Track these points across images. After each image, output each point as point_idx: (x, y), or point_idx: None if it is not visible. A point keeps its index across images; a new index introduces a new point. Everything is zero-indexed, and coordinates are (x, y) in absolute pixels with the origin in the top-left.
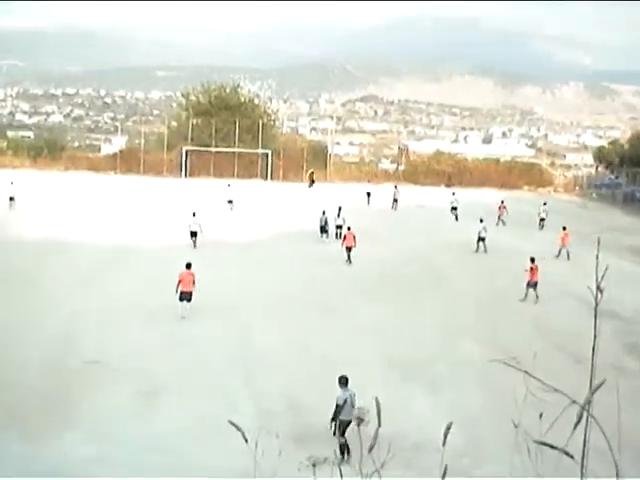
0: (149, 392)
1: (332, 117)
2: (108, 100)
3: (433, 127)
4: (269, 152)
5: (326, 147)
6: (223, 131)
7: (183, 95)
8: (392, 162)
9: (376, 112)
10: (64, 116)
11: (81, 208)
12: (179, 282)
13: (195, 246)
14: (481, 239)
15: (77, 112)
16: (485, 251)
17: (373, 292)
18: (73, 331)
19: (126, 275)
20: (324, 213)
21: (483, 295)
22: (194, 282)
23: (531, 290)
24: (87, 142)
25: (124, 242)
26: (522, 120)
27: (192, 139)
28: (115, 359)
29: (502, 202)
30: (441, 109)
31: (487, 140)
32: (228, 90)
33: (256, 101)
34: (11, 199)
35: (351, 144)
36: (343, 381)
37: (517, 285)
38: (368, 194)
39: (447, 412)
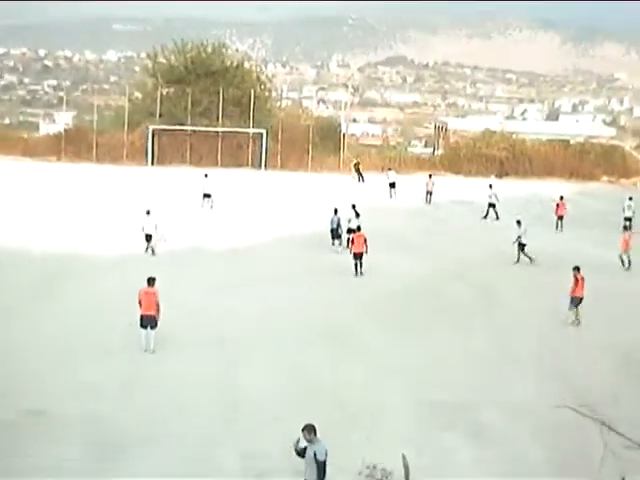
0: (105, 451)
1: (347, 85)
2: (49, 62)
3: (481, 99)
4: (263, 132)
5: (339, 125)
6: (202, 104)
7: (149, 56)
8: (426, 145)
9: (405, 79)
10: None
11: (14, 206)
12: (139, 303)
13: (153, 253)
14: (521, 246)
15: (7, 78)
16: (530, 261)
17: (397, 317)
18: (7, 372)
19: (75, 294)
20: (336, 212)
21: (539, 320)
22: (158, 303)
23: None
24: (21, 118)
25: (71, 251)
26: (599, 89)
27: (161, 115)
28: (60, 409)
29: (561, 199)
30: (491, 75)
31: (552, 116)
32: (209, 50)
33: (247, 65)
34: None
35: (372, 121)
36: (312, 431)
37: (585, 309)
38: (391, 185)
39: (500, 474)
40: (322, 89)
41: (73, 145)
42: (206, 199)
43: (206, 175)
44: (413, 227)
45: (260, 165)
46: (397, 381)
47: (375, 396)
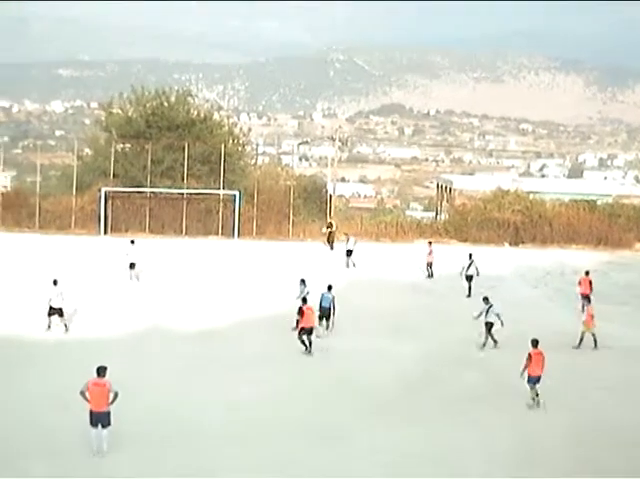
0: None
1: (333, 139)
2: None
3: (491, 153)
4: (236, 194)
5: (324, 185)
6: (165, 163)
7: (102, 106)
8: (428, 208)
9: (402, 130)
10: None
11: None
12: (84, 396)
13: (66, 329)
14: (488, 326)
15: None
16: (495, 344)
17: (397, 410)
18: None
19: (10, 386)
20: (330, 289)
21: (558, 411)
22: (109, 397)
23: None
24: None
25: (11, 334)
26: (630, 141)
27: (116, 175)
28: None
29: (587, 274)
30: (503, 125)
31: (575, 172)
32: (173, 99)
33: (217, 116)
34: None
35: (363, 180)
36: None
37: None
38: (348, 253)
39: None
40: (305, 143)
41: (12, 211)
42: (132, 270)
43: (132, 242)
44: (409, 305)
45: (233, 233)
46: None
47: None
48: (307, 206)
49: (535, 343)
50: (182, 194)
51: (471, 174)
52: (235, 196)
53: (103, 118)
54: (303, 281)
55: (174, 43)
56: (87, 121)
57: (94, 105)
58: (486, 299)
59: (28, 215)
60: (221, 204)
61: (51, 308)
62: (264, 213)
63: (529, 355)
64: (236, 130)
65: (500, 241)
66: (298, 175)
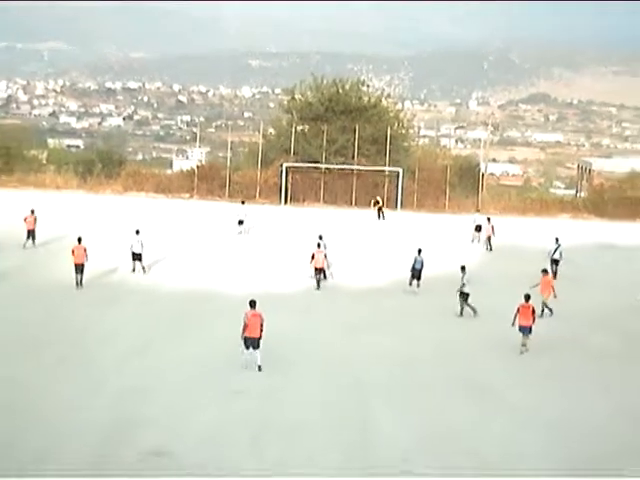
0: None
1: (487, 124)
2: (183, 98)
3: (626, 139)
4: (400, 171)
5: (477, 165)
6: (338, 142)
7: (286, 92)
8: (568, 187)
9: (547, 117)
10: (124, 119)
11: (152, 244)
12: (245, 326)
13: (144, 271)
14: (464, 296)
15: (142, 114)
16: (474, 313)
17: (541, 369)
18: (129, 413)
19: (211, 330)
20: (420, 253)
21: None
22: (262, 325)
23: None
24: (154, 154)
25: (204, 289)
26: None
27: (295, 152)
28: (183, 448)
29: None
30: (638, 114)
31: None
32: (348, 87)
33: (384, 103)
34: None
35: (512, 161)
36: None
37: None
38: (477, 228)
39: None
40: (461, 127)
41: (206, 182)
42: (241, 226)
43: (243, 202)
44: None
45: (396, 205)
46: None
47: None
48: (462, 183)
49: (527, 298)
50: (353, 170)
51: (608, 157)
52: (399, 173)
53: (286, 102)
54: (321, 237)
55: (350, 39)
56: (271, 105)
57: (278, 91)
58: (463, 268)
59: (219, 186)
60: (386, 179)
61: (133, 254)
62: (424, 188)
63: (517, 308)
64: (401, 115)
65: (634, 217)
66: (454, 155)
